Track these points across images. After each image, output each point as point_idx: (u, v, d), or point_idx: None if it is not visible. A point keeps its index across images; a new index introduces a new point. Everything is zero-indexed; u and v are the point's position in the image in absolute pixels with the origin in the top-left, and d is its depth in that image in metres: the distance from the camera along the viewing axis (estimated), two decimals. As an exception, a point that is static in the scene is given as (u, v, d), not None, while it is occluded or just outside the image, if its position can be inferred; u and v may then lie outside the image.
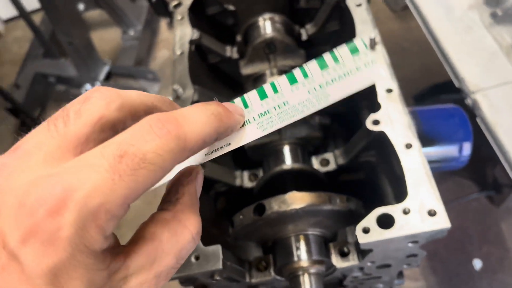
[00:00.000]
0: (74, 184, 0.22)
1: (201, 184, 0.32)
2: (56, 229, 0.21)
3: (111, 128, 0.27)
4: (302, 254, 0.68)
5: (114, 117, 0.26)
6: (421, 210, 0.61)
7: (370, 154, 0.77)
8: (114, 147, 0.23)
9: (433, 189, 0.62)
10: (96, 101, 0.26)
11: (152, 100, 0.30)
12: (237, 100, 0.34)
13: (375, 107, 0.73)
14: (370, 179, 0.81)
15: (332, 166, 0.78)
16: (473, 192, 1.46)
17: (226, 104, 0.32)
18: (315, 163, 0.80)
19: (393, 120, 0.70)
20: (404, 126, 0.69)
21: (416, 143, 0.67)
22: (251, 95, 0.34)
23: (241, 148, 0.85)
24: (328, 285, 0.78)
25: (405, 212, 0.61)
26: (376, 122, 0.70)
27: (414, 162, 0.65)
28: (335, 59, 0.33)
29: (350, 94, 0.33)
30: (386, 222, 0.61)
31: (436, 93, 1.72)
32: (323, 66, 0.33)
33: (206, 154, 0.34)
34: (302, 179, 0.74)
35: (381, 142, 0.70)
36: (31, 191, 0.22)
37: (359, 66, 0.33)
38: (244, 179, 0.81)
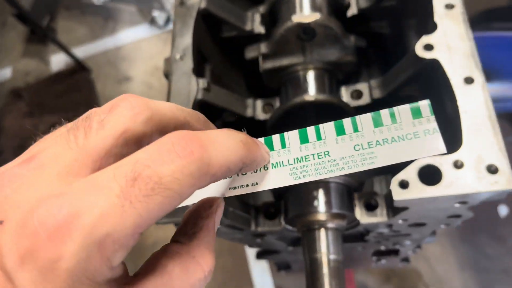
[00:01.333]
0: (81, 208, 0.20)
1: (220, 218, 0.30)
2: (57, 257, 0.20)
3: (136, 142, 0.24)
4: (320, 205, 0.56)
5: (140, 131, 0.24)
6: (478, 164, 0.47)
7: (414, 87, 0.62)
8: (128, 168, 0.21)
9: (497, 139, 0.48)
10: (122, 111, 0.24)
11: (185, 115, 0.27)
12: (276, 137, 0.32)
13: (428, 27, 0.57)
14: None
15: (365, 100, 0.64)
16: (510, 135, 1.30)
17: (254, 138, 0.30)
18: (345, 95, 0.65)
19: (452, 46, 0.54)
20: (466, 54, 0.53)
21: (479, 77, 0.52)
22: (292, 136, 0.31)
23: (256, 72, 0.72)
24: (346, 237, 0.67)
25: (457, 165, 0.47)
26: (428, 47, 0.54)
27: (475, 101, 0.50)
28: (393, 117, 0.30)
29: (400, 162, 0.29)
30: (430, 176, 0.48)
31: (486, 19, 1.50)
32: (377, 123, 0.30)
33: (230, 188, 0.31)
34: (327, 114, 0.61)
35: (433, 73, 0.55)
36: (36, 210, 0.21)
37: (417, 132, 0.29)
38: (257, 110, 0.68)
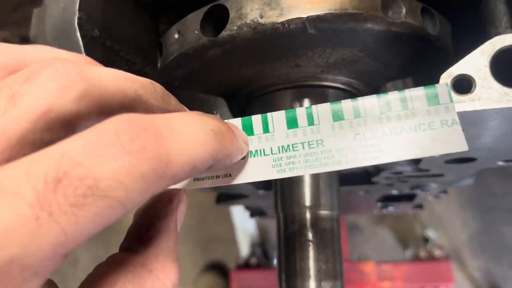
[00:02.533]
0: None
1: (183, 216, 0.25)
2: None
3: (64, 126, 0.18)
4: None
5: (71, 111, 0.18)
6: None
7: None
8: (50, 164, 0.16)
9: None
10: (45, 82, 0.18)
11: (136, 87, 0.20)
12: (256, 118, 0.26)
13: None
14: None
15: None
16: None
17: (229, 123, 0.25)
18: None
19: None
20: None
21: None
22: (277, 117, 0.26)
23: None
24: (344, 178, 0.45)
25: None
26: None
27: None
28: (404, 103, 0.24)
29: (409, 159, 0.24)
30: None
31: None
32: (383, 108, 0.24)
33: (194, 179, 0.26)
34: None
35: None
36: None
37: (433, 122, 0.24)
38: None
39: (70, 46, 0.34)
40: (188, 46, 0.29)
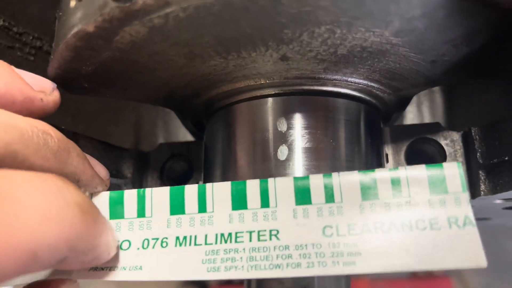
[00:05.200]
0: None
1: None
2: None
3: None
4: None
5: None
6: None
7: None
8: None
9: None
10: None
11: (11, 140, 0.15)
12: (191, 189, 0.19)
13: None
14: None
15: None
16: None
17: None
18: None
19: None
20: None
21: None
22: (220, 190, 0.19)
23: None
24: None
25: None
26: None
27: None
28: (396, 186, 0.17)
29: (398, 271, 0.16)
30: None
31: None
32: (368, 192, 0.18)
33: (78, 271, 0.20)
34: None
35: None
36: None
37: (437, 218, 0.17)
38: None
39: None
40: (88, 21, 0.16)
